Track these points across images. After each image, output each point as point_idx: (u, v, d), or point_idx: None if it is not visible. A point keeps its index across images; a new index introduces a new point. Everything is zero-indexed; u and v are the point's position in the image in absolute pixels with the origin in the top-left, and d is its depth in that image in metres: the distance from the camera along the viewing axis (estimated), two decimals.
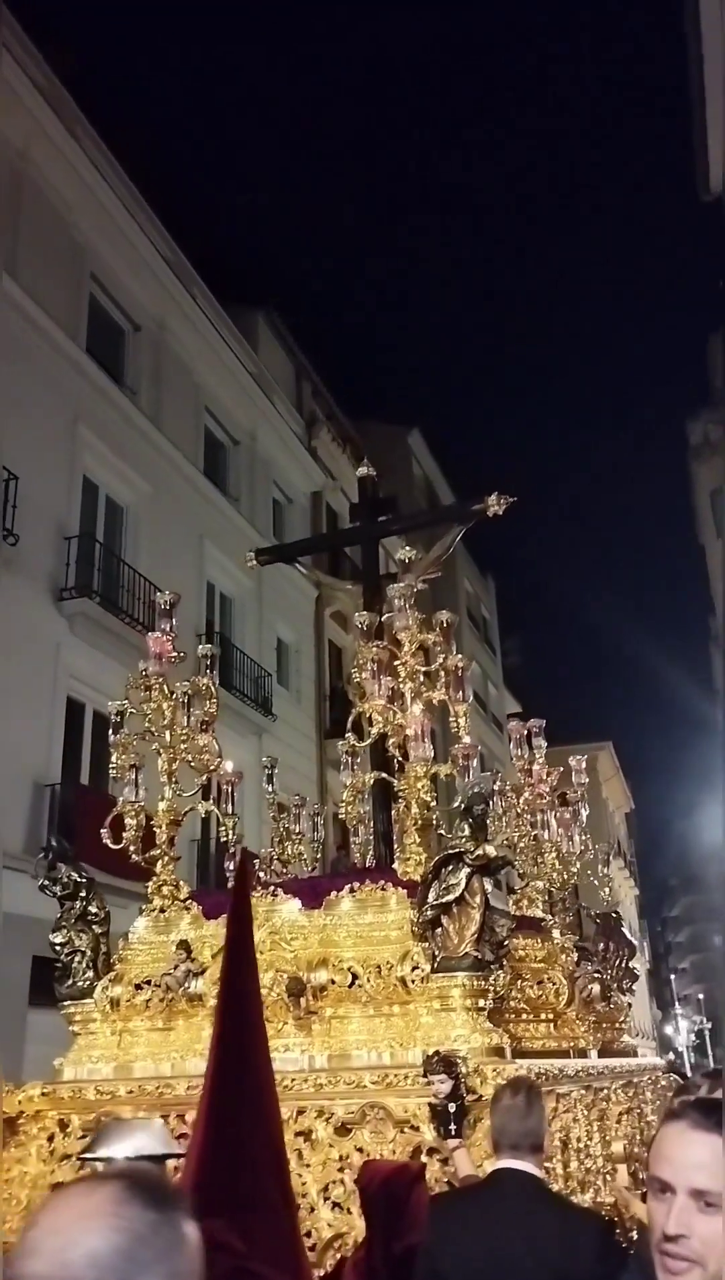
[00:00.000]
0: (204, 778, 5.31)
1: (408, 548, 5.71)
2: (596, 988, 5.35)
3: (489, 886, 3.96)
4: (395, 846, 5.39)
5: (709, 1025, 33.03)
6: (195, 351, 17.73)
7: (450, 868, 3.93)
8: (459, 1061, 3.50)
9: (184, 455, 16.81)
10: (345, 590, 7.55)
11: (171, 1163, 2.60)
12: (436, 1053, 3.56)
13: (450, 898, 3.89)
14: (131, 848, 5.03)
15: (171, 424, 16.56)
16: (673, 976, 65.94)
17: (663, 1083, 5.99)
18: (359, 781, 5.65)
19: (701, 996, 54.28)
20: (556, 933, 5.28)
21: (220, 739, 17.09)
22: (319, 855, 6.52)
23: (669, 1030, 50.16)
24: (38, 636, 12.42)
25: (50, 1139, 4.11)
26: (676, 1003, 55.51)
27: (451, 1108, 3.40)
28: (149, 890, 5.05)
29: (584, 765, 6.48)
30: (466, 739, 4.84)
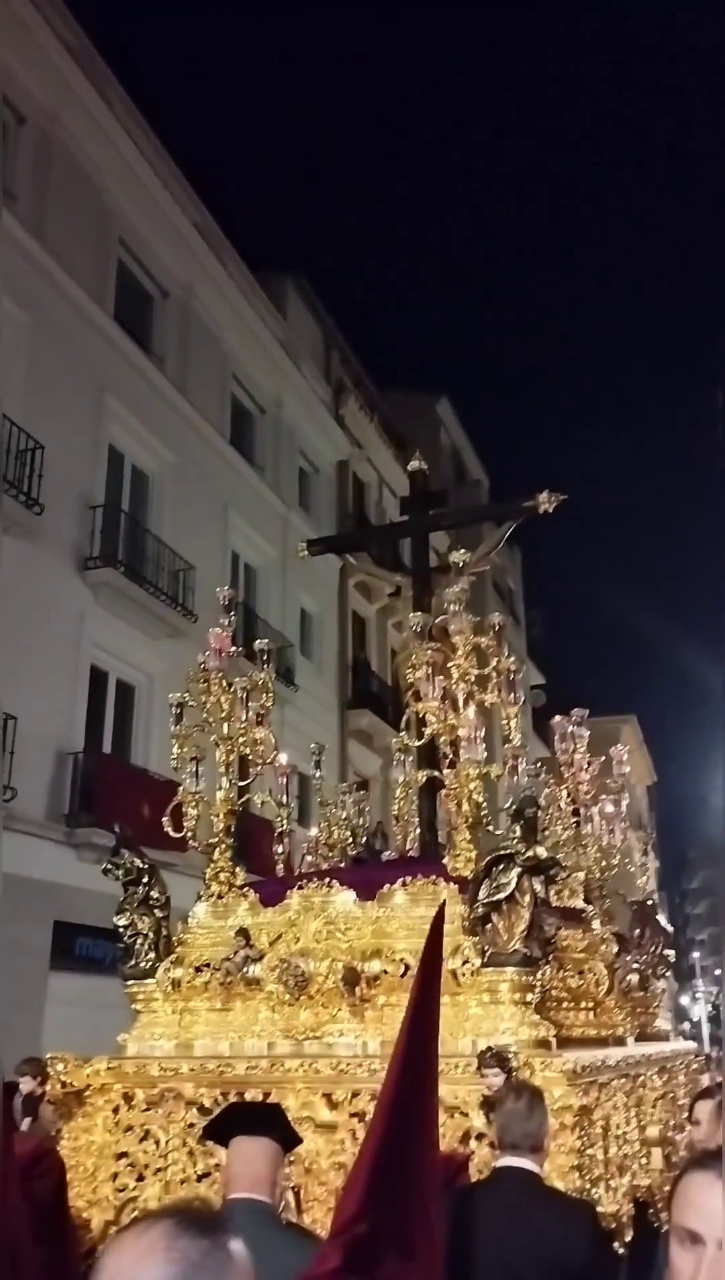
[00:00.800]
0: (260, 768, 5.47)
1: (462, 550, 5.78)
2: (635, 977, 5.53)
3: (538, 886, 4.14)
4: (440, 835, 5.63)
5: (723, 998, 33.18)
6: (223, 319, 17.60)
7: (501, 867, 4.10)
8: (511, 1057, 3.65)
9: (210, 424, 16.75)
10: (393, 583, 7.68)
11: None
12: (489, 1048, 3.71)
13: (501, 896, 4.06)
14: (190, 835, 5.24)
15: (198, 392, 16.50)
16: (691, 948, 66.09)
17: (694, 1066, 6.23)
18: (412, 779, 5.82)
19: (719, 971, 54.39)
20: (596, 923, 5.43)
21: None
22: (364, 840, 6.71)
23: (685, 1001, 50.36)
24: (62, 605, 12.49)
25: (115, 1111, 4.32)
26: (695, 974, 55.72)
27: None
28: (206, 876, 5.23)
29: (625, 755, 6.62)
30: (517, 740, 5.01)
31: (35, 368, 12.53)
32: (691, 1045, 7.80)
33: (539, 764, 6.39)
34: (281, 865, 5.91)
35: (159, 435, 15.19)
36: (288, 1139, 2.59)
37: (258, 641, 5.96)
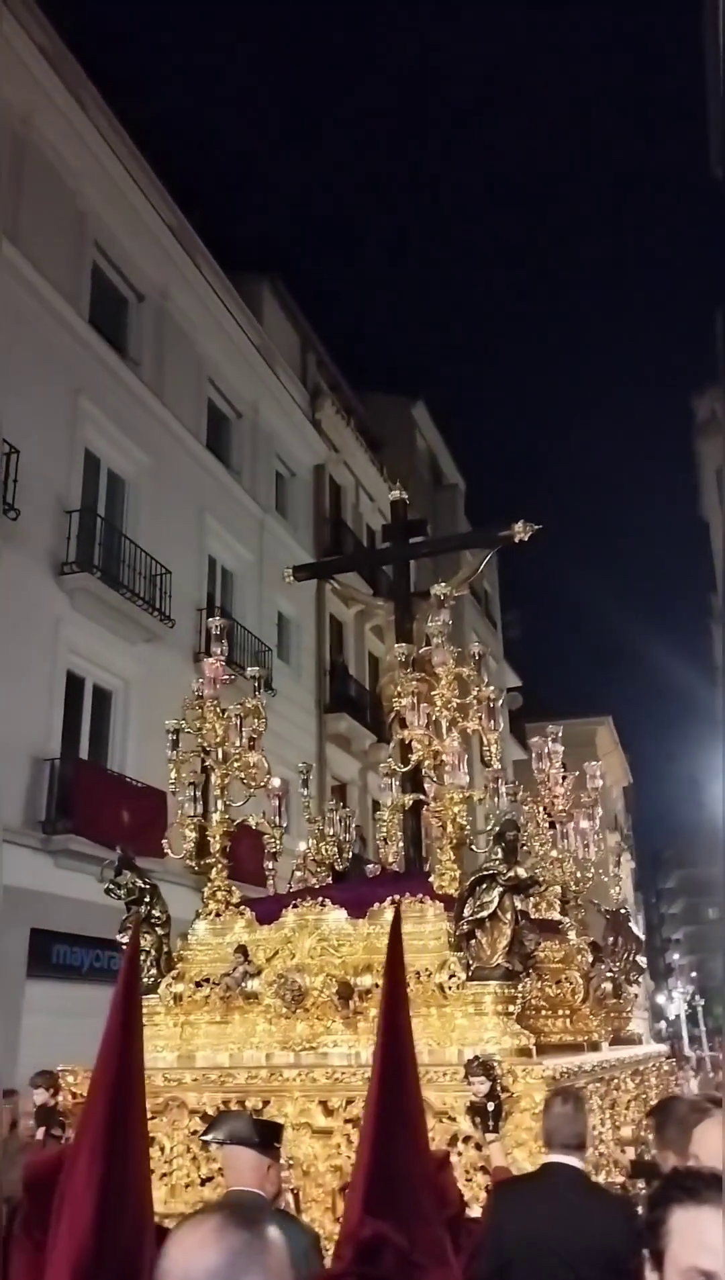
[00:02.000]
0: (252, 792, 5.74)
1: (443, 584, 6.06)
2: (609, 985, 5.79)
3: (519, 904, 4.40)
4: (424, 852, 6.02)
5: (701, 999, 33.46)
6: (199, 322, 17.57)
7: (484, 886, 4.37)
8: (496, 1065, 3.90)
9: (186, 428, 16.70)
10: (377, 606, 8.03)
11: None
12: (476, 1057, 3.94)
13: (484, 914, 4.33)
14: (187, 856, 5.47)
15: (174, 396, 16.45)
16: (667, 948, 66.57)
17: (664, 1068, 6.47)
18: (398, 801, 6.15)
19: (695, 973, 54.82)
20: (572, 934, 5.72)
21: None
22: (350, 855, 7.01)
23: (661, 1000, 50.71)
24: (38, 611, 12.41)
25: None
26: (670, 973, 56.10)
27: (489, 1106, 3.81)
28: (204, 895, 5.44)
29: (599, 771, 6.99)
30: (496, 764, 5.32)
31: (10, 371, 12.45)
32: (662, 1048, 7.99)
33: (517, 784, 6.62)
34: (272, 881, 6.20)
35: (135, 439, 15.14)
36: (266, 1145, 2.98)
37: (250, 669, 6.26)
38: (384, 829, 6.49)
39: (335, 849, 6.80)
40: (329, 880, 6.55)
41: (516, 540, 6.52)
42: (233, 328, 18.53)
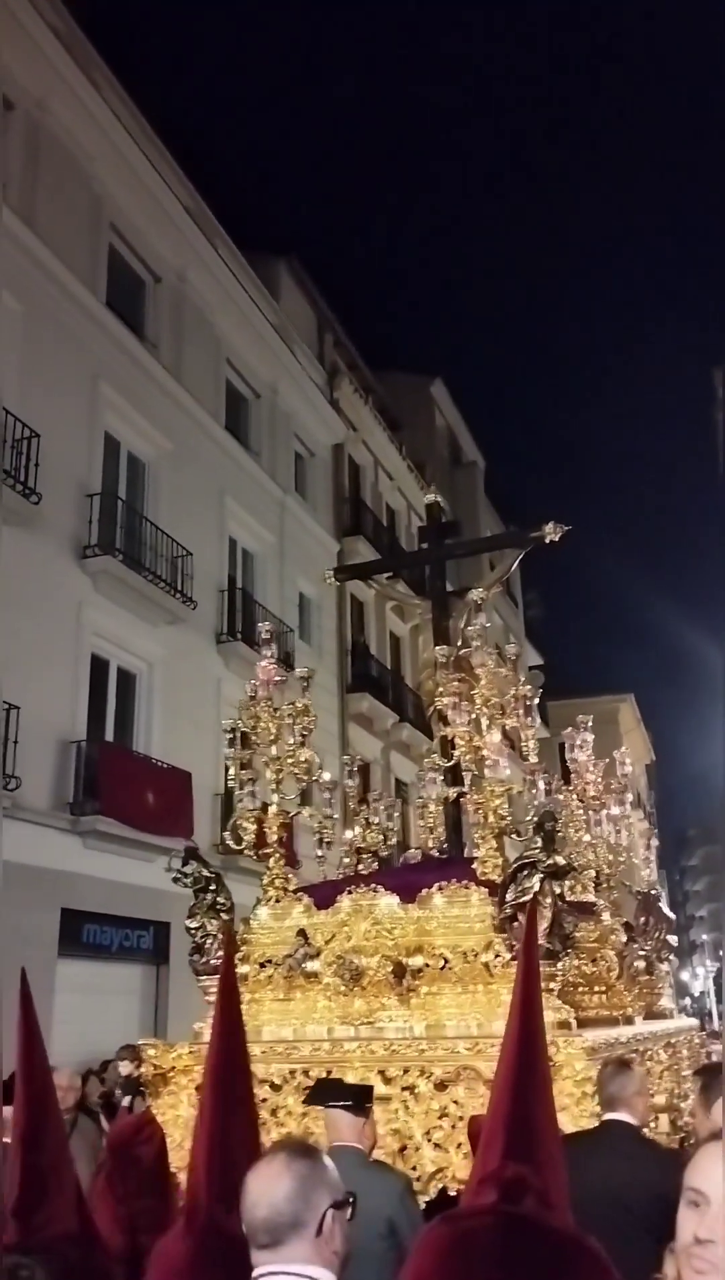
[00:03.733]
0: (303, 784, 6.11)
1: (479, 589, 6.53)
2: (642, 963, 6.12)
3: (558, 889, 4.73)
4: (464, 841, 6.49)
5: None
6: (216, 303, 17.54)
7: (526, 873, 4.68)
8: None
9: (205, 409, 16.72)
10: (414, 605, 8.35)
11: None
12: None
13: (526, 899, 4.60)
14: (245, 847, 5.84)
15: (192, 378, 16.46)
16: (691, 925, 66.53)
17: (695, 1040, 6.77)
18: (443, 795, 6.56)
19: (722, 952, 54.74)
20: (606, 915, 6.04)
21: (243, 694, 17.13)
22: (393, 842, 7.37)
23: (685, 976, 50.75)
24: (61, 594, 12.51)
25: (198, 1089, 4.77)
26: (694, 950, 56.10)
27: None
28: (263, 883, 5.83)
29: (628, 759, 7.33)
30: (534, 759, 5.63)
31: (29, 356, 12.50)
32: (693, 1022, 8.15)
33: (554, 777, 6.86)
34: (323, 868, 6.58)
35: (154, 422, 15.17)
36: (358, 1106, 3.52)
37: (298, 670, 6.60)
38: (430, 819, 6.91)
39: (380, 837, 7.16)
40: (376, 867, 6.88)
41: (547, 541, 6.82)
42: (250, 308, 18.49)
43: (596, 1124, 3.86)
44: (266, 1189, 1.83)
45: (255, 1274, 1.83)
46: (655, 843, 8.91)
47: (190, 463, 15.98)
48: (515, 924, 4.69)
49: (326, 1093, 3.62)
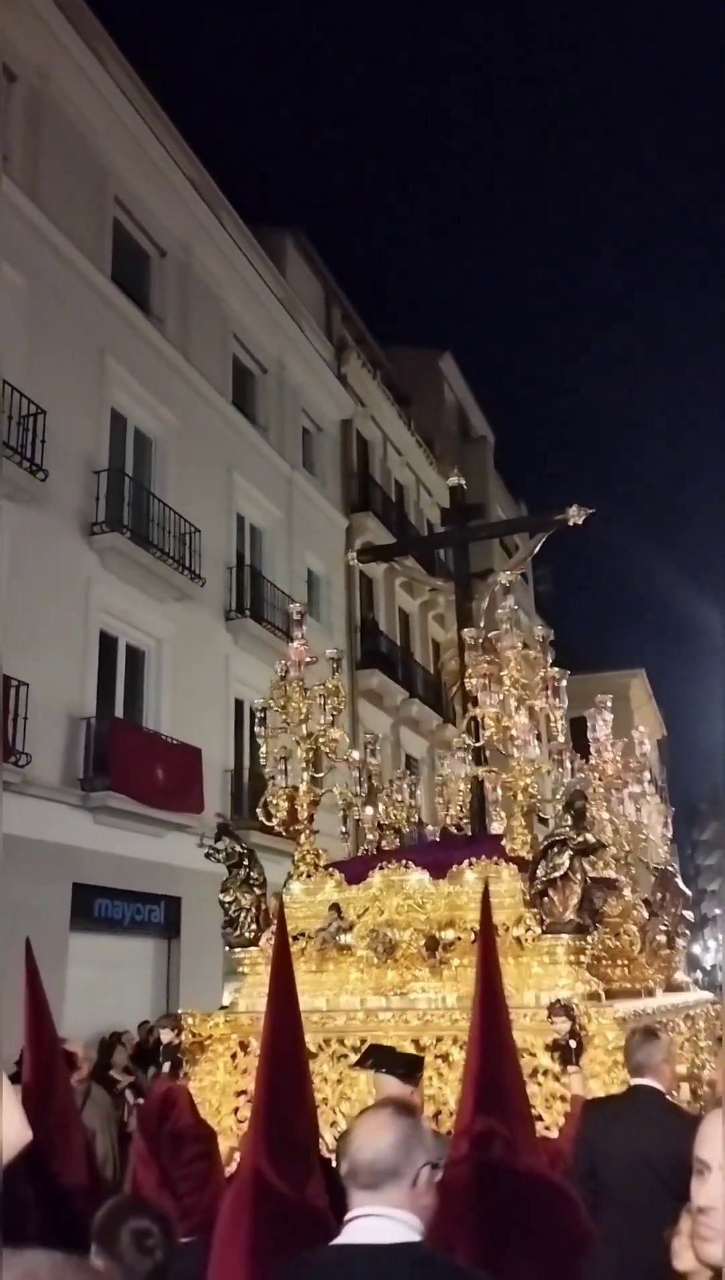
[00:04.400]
0: (333, 763, 6.29)
1: (507, 573, 6.64)
2: (663, 937, 6.33)
3: (587, 866, 4.94)
4: (487, 818, 6.74)
5: None
6: (222, 277, 17.41)
7: (556, 850, 4.83)
8: (575, 1007, 4.43)
9: (212, 385, 16.63)
10: (437, 588, 8.90)
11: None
12: (558, 1000, 4.45)
13: (557, 875, 4.80)
14: (277, 823, 5.94)
15: (199, 353, 16.37)
16: (702, 899, 66.58)
17: (711, 1012, 6.89)
18: (474, 774, 6.70)
19: None
20: (628, 891, 6.27)
21: (253, 671, 17.20)
22: (415, 819, 7.47)
23: (697, 950, 50.87)
24: (69, 571, 12.51)
25: (233, 1056, 5.16)
26: (705, 924, 56.18)
27: (571, 1043, 4.33)
28: (295, 858, 5.92)
29: (645, 739, 7.71)
30: (561, 739, 5.79)
31: (35, 331, 12.44)
32: (709, 995, 8.31)
33: (582, 760, 6.95)
34: (349, 844, 6.91)
35: (161, 397, 15.11)
36: (408, 1075, 3.72)
37: (328, 650, 6.67)
38: (450, 796, 7.11)
39: (403, 814, 7.27)
40: (397, 844, 6.98)
41: (570, 524, 6.86)
42: (256, 282, 18.35)
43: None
44: (372, 1137, 2.02)
45: (353, 1213, 2.01)
46: (670, 820, 9.00)
47: (197, 439, 15.92)
48: (546, 899, 4.88)
49: (379, 1058, 3.78)
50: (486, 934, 3.08)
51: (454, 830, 7.20)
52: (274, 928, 5.35)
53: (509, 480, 35.45)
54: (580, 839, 4.87)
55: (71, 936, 11.51)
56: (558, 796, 5.35)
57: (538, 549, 7.79)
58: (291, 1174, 2.46)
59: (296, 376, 20.03)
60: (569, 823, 4.90)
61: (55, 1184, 2.66)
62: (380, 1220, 1.93)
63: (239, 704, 16.40)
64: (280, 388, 19.46)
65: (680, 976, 7.15)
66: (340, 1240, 1.98)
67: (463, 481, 7.96)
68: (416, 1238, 1.95)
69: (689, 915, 7.46)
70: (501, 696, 5.61)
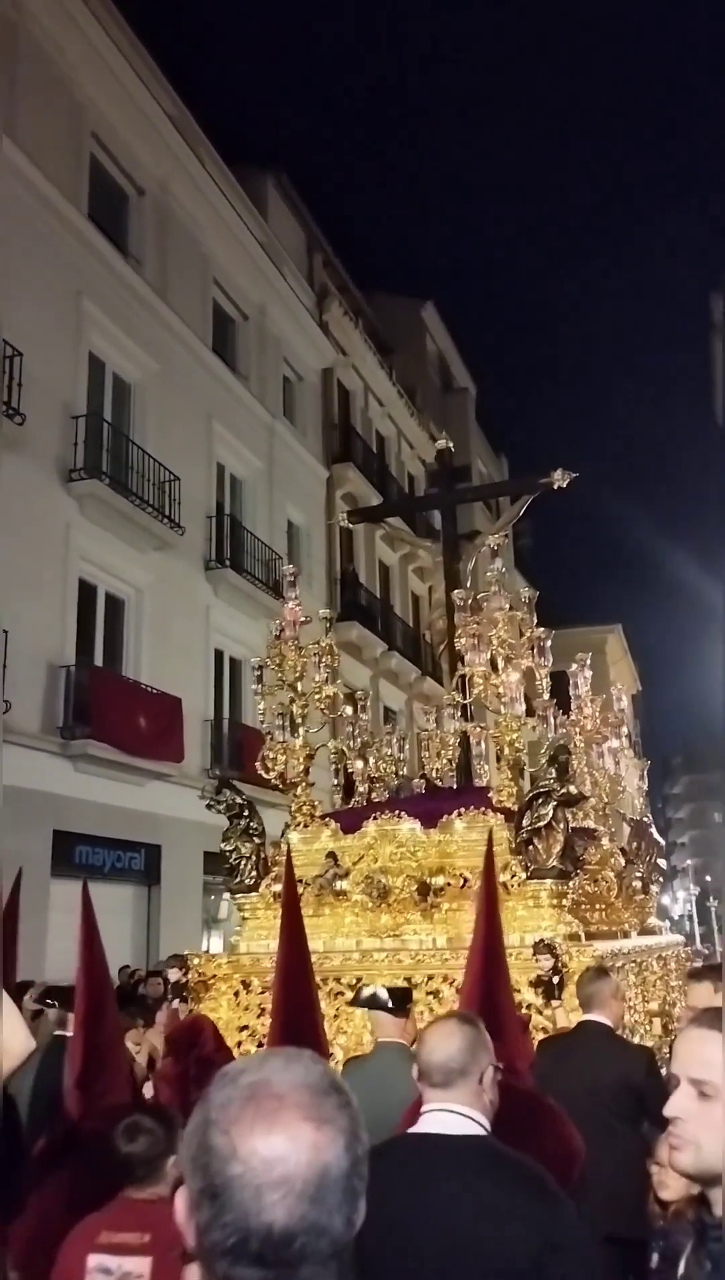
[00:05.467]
0: (329, 719, 6.57)
1: (495, 535, 6.95)
2: (638, 884, 6.72)
3: (570, 816, 5.23)
4: (472, 772, 7.13)
5: (714, 900, 34.58)
6: (202, 219, 17.03)
7: (540, 801, 5.10)
8: (557, 946, 4.74)
9: (192, 330, 16.34)
10: (425, 548, 8.99)
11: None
12: (542, 940, 4.73)
13: (541, 824, 5.07)
14: (274, 776, 6.20)
15: (178, 297, 16.06)
16: (673, 851, 67.75)
17: (681, 954, 7.39)
18: (462, 729, 7.04)
19: (709, 877, 56.03)
20: (606, 840, 6.58)
21: (232, 622, 17.22)
22: (403, 771, 7.78)
23: (666, 900, 51.90)
24: (47, 518, 12.36)
25: (236, 994, 5.50)
26: (675, 875, 57.24)
27: (554, 979, 4.65)
28: (291, 809, 6.15)
29: (623, 696, 7.95)
30: (546, 696, 6.10)
31: (10, 271, 12.14)
32: (680, 938, 8.83)
33: (563, 714, 7.25)
34: (343, 793, 7.10)
35: (140, 342, 14.84)
36: (399, 1007, 3.93)
37: (321, 610, 7.00)
38: (446, 752, 7.41)
39: (392, 768, 7.54)
40: (386, 796, 7.22)
41: (555, 487, 7.13)
42: (237, 225, 17.98)
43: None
44: (443, 1041, 2.29)
45: (427, 1108, 2.25)
46: (646, 773, 9.41)
47: (177, 385, 15.69)
48: (531, 847, 5.15)
49: (368, 996, 4.05)
50: (489, 877, 3.41)
51: (438, 784, 7.44)
52: (273, 875, 5.79)
53: (490, 433, 35.26)
54: (564, 791, 5.13)
55: (53, 883, 11.52)
56: (543, 751, 5.62)
57: (523, 512, 7.95)
58: None
59: (277, 323, 19.72)
60: (553, 776, 5.15)
61: (101, 1100, 3.02)
62: (451, 1115, 2.21)
63: (219, 654, 16.38)
64: (261, 334, 19.16)
65: (653, 921, 7.48)
66: (416, 1129, 2.24)
67: (451, 444, 8.15)
68: (484, 1131, 2.22)
69: (662, 864, 7.92)
70: (489, 655, 5.84)
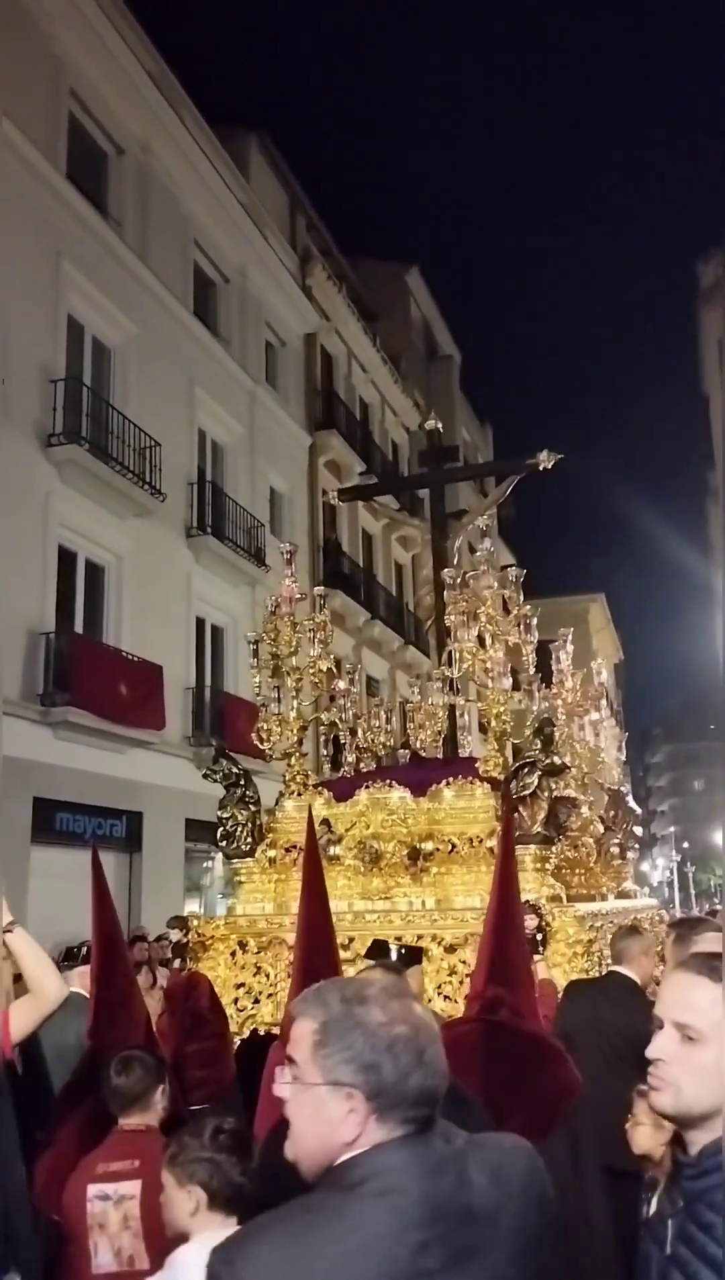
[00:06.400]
0: (321, 692, 6.79)
1: (482, 518, 7.13)
2: (615, 849, 7.04)
3: (553, 785, 5.51)
4: (459, 744, 7.46)
5: (691, 866, 35.07)
6: (182, 179, 16.74)
7: (526, 771, 5.35)
8: (541, 906, 5.03)
9: (172, 293, 16.12)
10: (414, 526, 9.74)
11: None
12: (526, 900, 4.85)
13: (527, 793, 5.32)
14: (268, 748, 6.44)
15: (159, 259, 15.82)
16: (653, 819, 68.46)
17: (656, 918, 7.57)
18: (449, 701, 7.36)
19: (686, 843, 56.67)
20: (585, 808, 6.86)
21: (214, 590, 17.23)
22: (389, 742, 8.08)
23: (645, 867, 52.47)
24: (26, 484, 12.23)
25: (233, 954, 5.72)
26: (654, 843, 57.90)
27: (538, 936, 4.84)
28: (285, 778, 6.40)
29: (603, 670, 8.25)
30: (531, 671, 6.39)
31: None
32: (654, 901, 9.19)
33: (545, 686, 7.49)
34: (331, 763, 7.53)
35: (120, 305, 14.63)
36: (407, 964, 3.96)
37: (316, 589, 7.12)
38: (433, 723, 7.74)
39: (381, 739, 7.79)
40: (373, 766, 7.48)
41: (540, 469, 7.37)
42: (219, 186, 17.69)
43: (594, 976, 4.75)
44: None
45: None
46: (624, 744, 9.71)
47: (158, 349, 15.49)
48: (516, 814, 5.31)
49: (380, 950, 4.22)
50: (506, 839, 3.66)
51: (422, 754, 7.68)
52: (269, 840, 6.11)
53: (475, 400, 35.08)
54: (548, 761, 5.39)
55: (33, 849, 11.56)
56: (528, 724, 5.87)
57: (509, 491, 8.22)
58: None
59: (259, 287, 19.48)
60: (538, 747, 5.41)
61: (120, 1044, 3.25)
62: None
63: (200, 622, 16.32)
64: (242, 298, 18.93)
65: (629, 885, 7.79)
66: None
67: (440, 425, 8.37)
68: None
69: (639, 831, 8.16)
70: (477, 632, 6.09)
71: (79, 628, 13.33)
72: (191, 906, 14.78)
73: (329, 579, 20.72)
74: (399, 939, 5.11)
